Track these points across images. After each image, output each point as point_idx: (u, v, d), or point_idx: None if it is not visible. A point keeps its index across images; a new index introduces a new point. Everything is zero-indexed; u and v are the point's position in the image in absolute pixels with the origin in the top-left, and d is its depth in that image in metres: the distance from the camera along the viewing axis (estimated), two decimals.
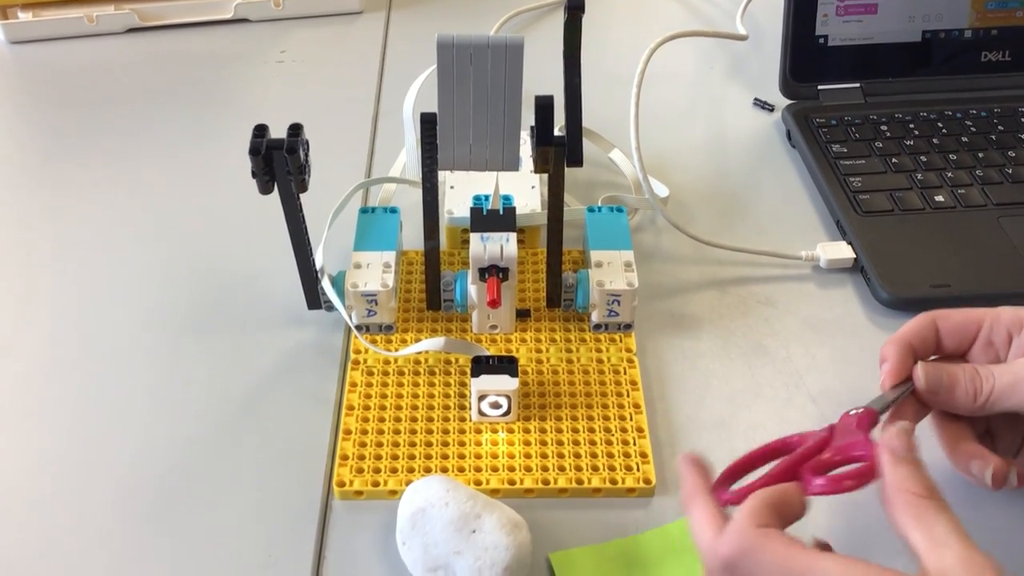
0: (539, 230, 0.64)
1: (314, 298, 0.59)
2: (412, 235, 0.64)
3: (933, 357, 0.50)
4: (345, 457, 0.52)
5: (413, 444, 0.53)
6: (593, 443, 0.53)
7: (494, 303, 0.55)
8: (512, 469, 0.52)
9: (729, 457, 0.46)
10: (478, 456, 0.52)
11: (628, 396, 0.55)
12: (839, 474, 0.44)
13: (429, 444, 0.53)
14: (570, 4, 0.52)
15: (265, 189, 0.52)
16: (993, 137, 0.72)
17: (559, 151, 0.53)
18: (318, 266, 0.58)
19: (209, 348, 0.60)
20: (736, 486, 0.45)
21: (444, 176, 0.65)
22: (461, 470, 0.52)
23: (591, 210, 0.63)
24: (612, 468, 0.52)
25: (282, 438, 0.54)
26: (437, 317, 0.60)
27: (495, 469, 0.52)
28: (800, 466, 0.45)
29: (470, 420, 0.54)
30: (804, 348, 0.60)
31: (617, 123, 0.70)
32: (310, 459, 0.53)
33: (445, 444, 0.53)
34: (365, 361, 0.57)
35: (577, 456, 0.52)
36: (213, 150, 0.76)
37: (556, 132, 0.52)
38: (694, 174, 0.73)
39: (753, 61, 0.85)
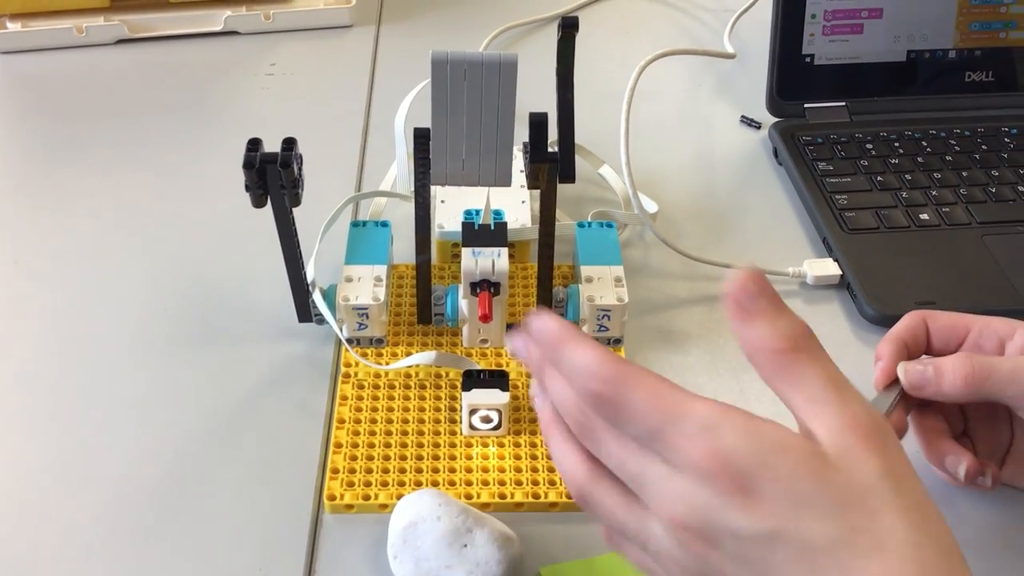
0: (530, 245, 0.65)
1: (305, 311, 0.59)
2: (403, 249, 0.64)
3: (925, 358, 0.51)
4: (336, 471, 0.52)
5: (404, 458, 0.53)
6: None
7: (485, 317, 0.56)
8: (503, 483, 0.52)
9: None
10: (469, 470, 0.52)
11: None
12: None
13: (420, 458, 0.53)
14: (564, 22, 0.53)
15: (258, 203, 0.52)
16: (977, 156, 0.73)
17: (552, 168, 0.53)
18: (309, 279, 0.58)
19: (199, 361, 0.60)
20: None
21: (435, 191, 0.65)
22: (452, 484, 0.52)
23: (581, 225, 0.63)
24: None
25: (272, 451, 0.54)
26: (428, 331, 0.61)
27: (486, 483, 0.52)
28: None
29: (461, 434, 0.54)
30: None
31: (607, 139, 0.70)
32: (300, 473, 0.53)
33: (436, 458, 0.53)
34: (356, 374, 0.57)
35: None
36: (203, 162, 0.76)
37: (548, 148, 0.53)
38: (683, 190, 0.74)
39: (740, 79, 0.86)
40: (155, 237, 0.69)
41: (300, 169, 0.52)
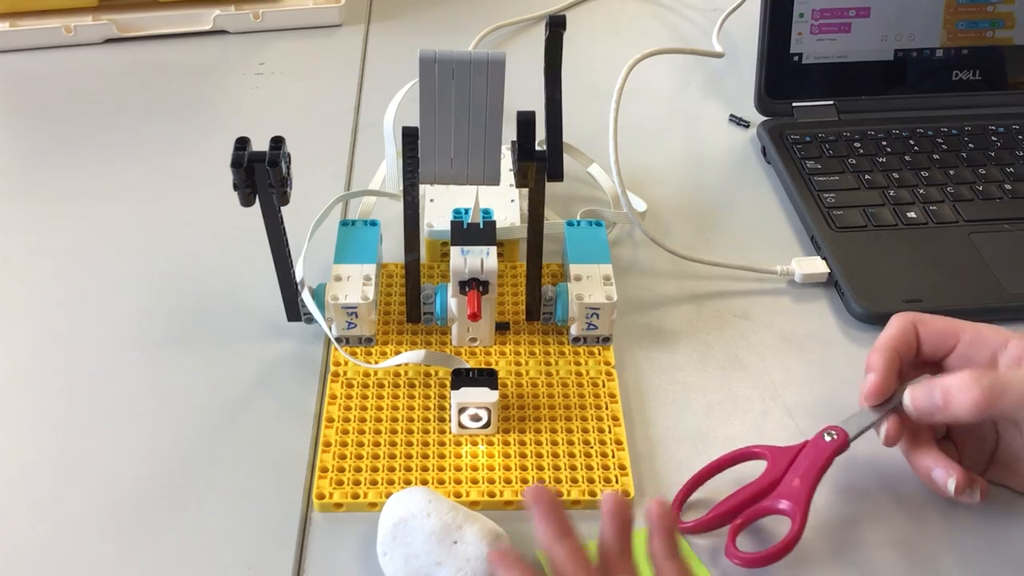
0: (519, 244, 0.65)
1: (294, 310, 0.59)
2: (392, 248, 0.64)
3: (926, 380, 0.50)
4: (325, 469, 0.52)
5: (393, 456, 0.53)
6: (572, 455, 0.53)
7: (474, 316, 0.56)
8: (492, 481, 0.52)
9: None
10: (458, 468, 0.53)
11: (607, 408, 0.56)
12: (750, 555, 0.47)
13: (409, 456, 0.53)
14: (552, 21, 0.53)
15: (246, 202, 0.52)
16: (964, 155, 0.74)
17: (540, 166, 0.53)
18: (298, 278, 0.58)
19: (188, 360, 0.60)
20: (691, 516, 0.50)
21: (424, 189, 0.65)
22: (441, 482, 0.52)
23: (570, 224, 0.63)
24: (591, 480, 0.52)
25: (261, 450, 0.54)
26: (417, 330, 0.61)
27: (475, 481, 0.52)
28: (746, 505, 0.49)
29: (450, 432, 0.54)
30: (780, 361, 0.60)
31: (596, 138, 0.70)
32: (290, 471, 0.53)
33: (425, 456, 0.53)
34: (345, 373, 0.57)
35: (556, 468, 0.53)
36: (192, 161, 0.76)
37: (536, 147, 0.53)
38: (672, 189, 0.74)
39: (729, 78, 0.86)
40: (144, 236, 0.69)
41: (288, 168, 0.52)
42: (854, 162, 0.73)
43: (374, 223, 0.62)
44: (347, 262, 0.59)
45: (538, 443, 0.54)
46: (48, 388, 0.58)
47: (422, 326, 0.61)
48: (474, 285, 0.56)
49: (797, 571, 0.49)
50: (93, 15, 0.89)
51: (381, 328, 0.60)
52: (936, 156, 0.74)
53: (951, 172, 0.72)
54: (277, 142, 0.52)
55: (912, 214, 0.69)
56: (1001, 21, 0.78)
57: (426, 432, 0.54)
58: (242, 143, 0.51)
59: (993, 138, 0.75)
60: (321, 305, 0.57)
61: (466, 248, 0.56)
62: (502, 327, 0.60)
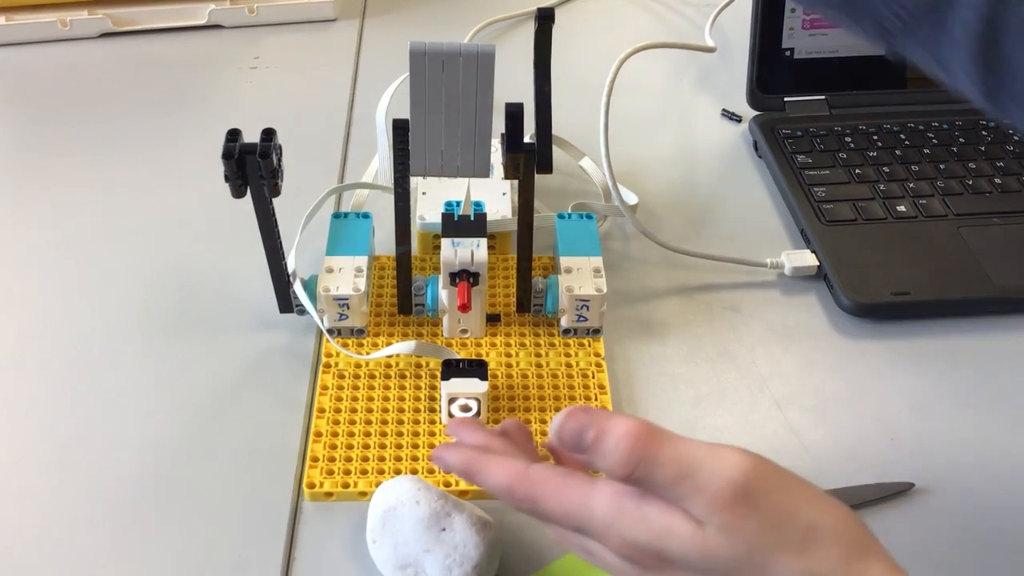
0: (510, 236, 0.65)
1: (286, 302, 0.60)
2: (384, 240, 0.65)
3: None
4: (315, 459, 0.53)
5: (383, 446, 0.53)
6: None
7: (465, 307, 0.56)
8: None
9: None
10: None
11: (596, 400, 0.56)
12: None
13: (399, 446, 0.54)
14: (540, 14, 0.53)
15: (238, 193, 0.53)
16: (954, 149, 0.74)
17: (529, 158, 0.54)
18: (290, 270, 0.58)
19: (180, 351, 0.60)
20: None
21: (416, 182, 0.65)
22: (431, 472, 0.52)
23: (561, 217, 0.64)
24: None
25: (253, 441, 0.55)
26: (408, 321, 0.61)
27: None
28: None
29: (440, 423, 0.55)
30: (768, 353, 0.61)
31: (587, 131, 0.71)
32: (280, 461, 0.54)
33: (415, 446, 0.54)
34: (336, 364, 0.58)
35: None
36: (186, 154, 0.76)
37: (527, 139, 0.53)
38: (663, 182, 0.74)
39: (721, 72, 0.87)
40: (137, 229, 0.69)
41: (280, 159, 0.53)
42: (844, 156, 0.74)
43: (366, 215, 0.63)
44: (339, 254, 0.59)
45: None
46: (39, 379, 0.58)
47: (413, 318, 0.61)
48: (464, 277, 0.56)
49: None
50: (88, 9, 0.89)
51: (373, 320, 0.61)
52: (926, 150, 0.74)
53: (941, 166, 0.73)
54: (268, 134, 0.52)
55: (902, 208, 0.69)
56: None
57: (416, 422, 0.55)
58: (233, 135, 0.52)
59: (983, 132, 0.76)
60: (313, 297, 0.58)
61: (456, 240, 0.57)
62: (493, 319, 0.61)
